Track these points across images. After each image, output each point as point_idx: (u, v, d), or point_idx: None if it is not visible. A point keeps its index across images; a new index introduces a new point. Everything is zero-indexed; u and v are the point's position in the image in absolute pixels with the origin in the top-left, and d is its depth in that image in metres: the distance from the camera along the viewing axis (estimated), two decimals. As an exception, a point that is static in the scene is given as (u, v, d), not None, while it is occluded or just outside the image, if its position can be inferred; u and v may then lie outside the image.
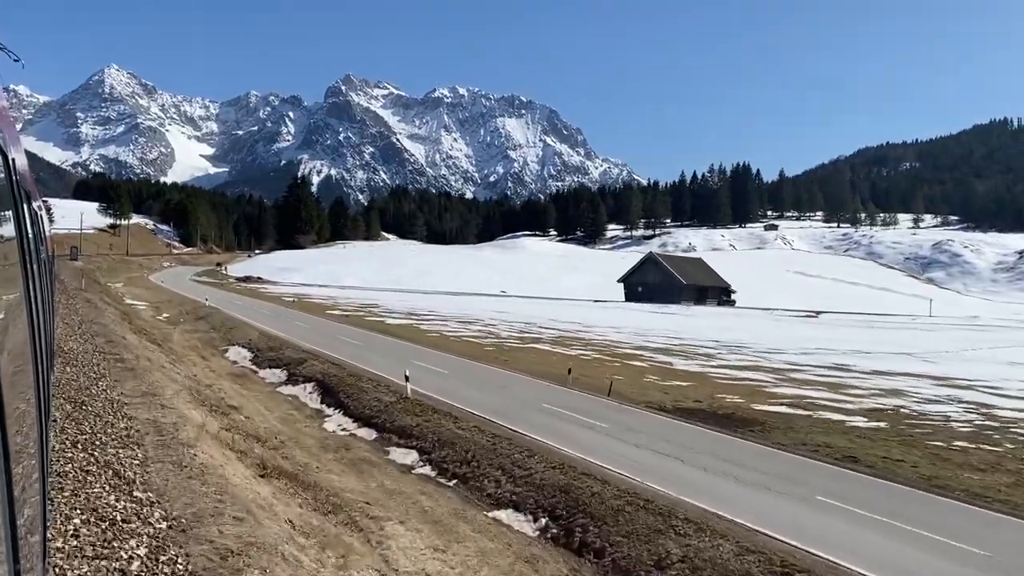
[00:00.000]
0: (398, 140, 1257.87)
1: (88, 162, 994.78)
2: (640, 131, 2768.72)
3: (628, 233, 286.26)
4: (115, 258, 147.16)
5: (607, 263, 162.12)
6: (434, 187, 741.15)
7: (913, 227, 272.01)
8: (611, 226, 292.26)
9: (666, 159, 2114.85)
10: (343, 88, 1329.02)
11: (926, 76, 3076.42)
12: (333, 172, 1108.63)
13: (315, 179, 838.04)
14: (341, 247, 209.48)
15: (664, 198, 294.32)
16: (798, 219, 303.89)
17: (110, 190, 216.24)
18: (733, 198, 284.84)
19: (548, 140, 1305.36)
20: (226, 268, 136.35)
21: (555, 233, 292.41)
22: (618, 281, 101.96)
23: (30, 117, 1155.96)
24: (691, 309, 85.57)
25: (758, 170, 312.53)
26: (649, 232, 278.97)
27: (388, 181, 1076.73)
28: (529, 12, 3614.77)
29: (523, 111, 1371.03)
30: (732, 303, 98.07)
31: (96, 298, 49.10)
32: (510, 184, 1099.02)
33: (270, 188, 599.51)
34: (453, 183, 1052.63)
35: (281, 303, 75.97)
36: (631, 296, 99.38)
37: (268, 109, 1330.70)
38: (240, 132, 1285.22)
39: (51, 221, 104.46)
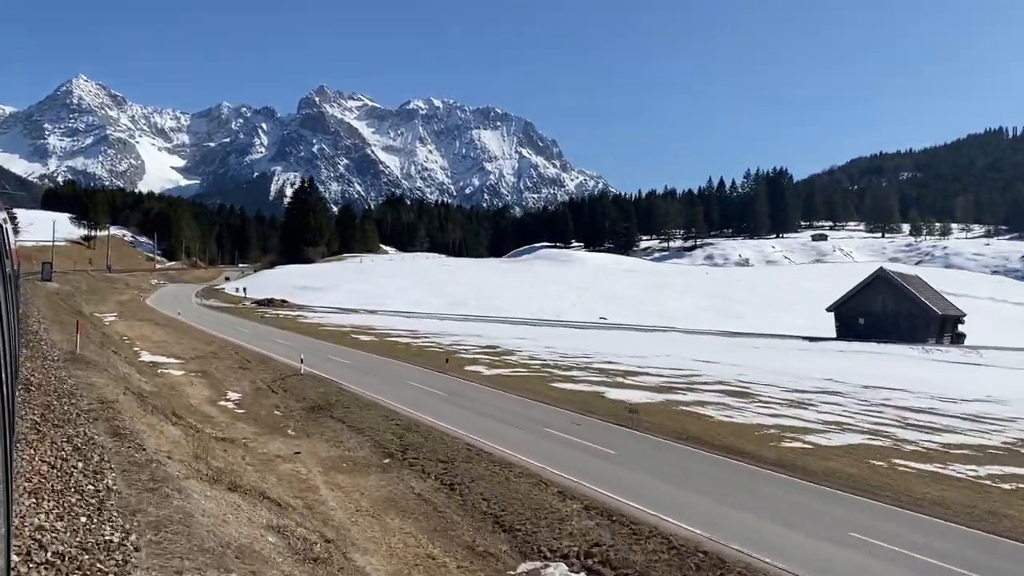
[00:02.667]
0: (373, 152, 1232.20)
1: (56, 174, 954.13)
2: (614, 144, 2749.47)
3: (664, 244, 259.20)
4: (95, 275, 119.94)
5: (692, 279, 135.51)
6: (409, 199, 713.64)
7: (985, 236, 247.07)
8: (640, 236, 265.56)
9: (639, 171, 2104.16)
10: (317, 99, 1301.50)
11: (910, 86, 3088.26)
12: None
13: (288, 191, 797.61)
14: (358, 261, 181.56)
15: (692, 207, 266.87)
16: (833, 228, 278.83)
17: (84, 198, 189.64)
18: (770, 205, 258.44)
19: (524, 152, 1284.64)
20: (244, 290, 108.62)
21: (578, 244, 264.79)
22: (828, 309, 73.61)
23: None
24: (983, 355, 58.31)
25: (791, 176, 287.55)
26: (689, 243, 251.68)
27: (363, 193, 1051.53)
28: (505, 23, 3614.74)
29: (499, 123, 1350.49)
30: (963, 338, 70.53)
31: (127, 399, 21.74)
32: (486, 196, 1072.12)
33: (243, 200, 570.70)
34: (428, 195, 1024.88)
35: (367, 348, 48.73)
36: (847, 331, 70.07)
37: (240, 120, 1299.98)
38: (212, 144, 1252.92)
39: (16, 232, 77.62)
